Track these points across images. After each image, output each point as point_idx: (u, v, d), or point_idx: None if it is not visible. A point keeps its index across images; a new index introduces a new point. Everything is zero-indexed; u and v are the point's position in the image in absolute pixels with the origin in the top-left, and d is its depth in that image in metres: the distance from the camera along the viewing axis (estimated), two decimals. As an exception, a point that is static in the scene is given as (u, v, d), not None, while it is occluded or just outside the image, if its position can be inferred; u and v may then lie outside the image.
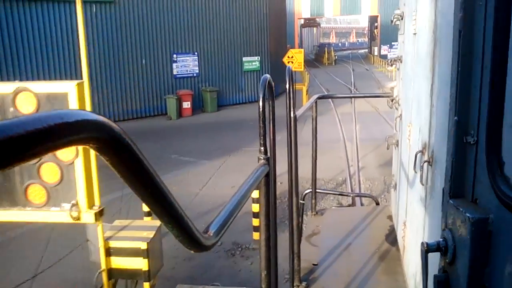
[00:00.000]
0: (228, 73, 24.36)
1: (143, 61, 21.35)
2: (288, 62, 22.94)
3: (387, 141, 4.56)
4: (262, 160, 2.15)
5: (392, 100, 4.48)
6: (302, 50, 22.85)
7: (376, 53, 55.91)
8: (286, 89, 3.29)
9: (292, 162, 3.23)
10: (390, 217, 4.83)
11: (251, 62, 25.22)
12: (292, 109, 3.33)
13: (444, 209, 1.61)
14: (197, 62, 23.19)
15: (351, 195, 7.58)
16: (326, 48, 60.29)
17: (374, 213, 5.07)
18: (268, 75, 2.39)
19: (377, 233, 4.57)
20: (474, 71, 1.46)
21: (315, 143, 4.81)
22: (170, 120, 21.11)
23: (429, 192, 2.51)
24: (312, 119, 4.76)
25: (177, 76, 22.68)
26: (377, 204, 5.66)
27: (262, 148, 2.17)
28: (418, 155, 2.73)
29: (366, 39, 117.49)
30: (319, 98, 4.71)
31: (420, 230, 2.78)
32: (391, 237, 4.39)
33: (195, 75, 23.26)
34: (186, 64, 22.89)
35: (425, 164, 2.55)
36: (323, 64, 56.98)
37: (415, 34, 3.15)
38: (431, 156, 2.46)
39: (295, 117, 3.36)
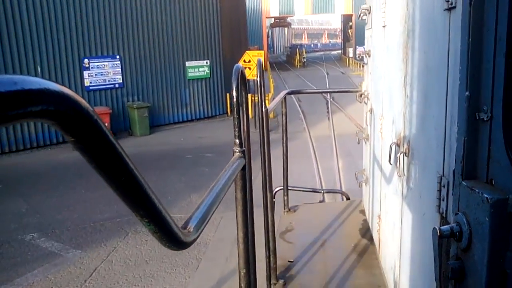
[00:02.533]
0: (165, 83, 17.70)
1: (39, 69, 14.52)
2: (245, 68, 16.39)
3: (357, 136, 4.52)
4: (238, 153, 2.00)
5: (361, 95, 4.34)
6: (263, 52, 16.46)
7: (351, 54, 50.19)
8: (256, 82, 3.08)
9: (265, 156, 3.08)
10: (362, 212, 4.65)
11: (198, 68, 18.60)
12: (263, 102, 3.16)
13: (456, 192, 1.47)
14: (119, 69, 16.45)
15: (322, 191, 6.45)
16: (298, 50, 54.16)
17: (346, 208, 4.93)
18: (240, 65, 2.21)
19: (351, 228, 4.46)
20: (487, 42, 1.33)
21: (286, 139, 4.62)
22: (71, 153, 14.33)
23: (406, 183, 2.43)
24: (282, 115, 4.61)
25: (90, 88, 15.94)
26: (348, 199, 5.44)
27: (237, 140, 2.03)
28: (393, 147, 2.65)
29: (339, 40, 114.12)
30: (288, 94, 4.52)
31: (397, 222, 2.70)
32: (365, 231, 4.28)
33: (117, 86, 16.53)
34: (104, 72, 16.16)
35: (401, 155, 2.47)
36: (295, 67, 50.83)
37: (384, 26, 3.08)
38: (407, 147, 2.38)
39: (266, 111, 3.23)
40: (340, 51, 78.16)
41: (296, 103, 23.08)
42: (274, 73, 42.46)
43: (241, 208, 1.96)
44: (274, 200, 4.16)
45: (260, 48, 49.62)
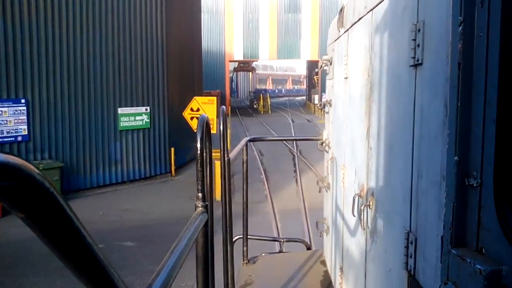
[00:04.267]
0: (88, 134, 13.45)
1: None
2: (192, 119, 12.59)
3: (318, 184, 4.42)
4: (200, 208, 1.83)
5: (322, 144, 4.28)
6: (215, 98, 12.62)
7: (316, 101, 47.44)
8: (220, 131, 3.00)
9: (227, 206, 2.97)
10: (323, 262, 4.50)
11: (134, 116, 14.50)
12: (225, 151, 3.08)
13: (445, 260, 1.37)
14: (25, 117, 12.13)
15: (282, 240, 5.52)
16: (262, 94, 51.05)
17: (307, 258, 4.70)
18: (205, 115, 2.02)
19: (312, 280, 4.27)
20: (476, 107, 1.29)
21: (246, 187, 4.50)
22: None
23: (371, 237, 2.30)
24: (243, 162, 4.44)
25: (-21, 141, 11.51)
26: (309, 249, 5.27)
27: (200, 194, 1.86)
28: (356, 198, 2.56)
29: (303, 86, 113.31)
30: (249, 141, 4.48)
31: (360, 276, 2.57)
32: (327, 283, 4.10)
33: (19, 139, 12.17)
34: (2, 121, 11.83)
35: (365, 207, 2.37)
36: (259, 112, 47.49)
37: (346, 78, 3.05)
38: (371, 199, 2.30)
39: (228, 160, 3.15)
40: (304, 97, 76.12)
41: (258, 158, 19.17)
42: (236, 119, 38.81)
43: (202, 267, 1.80)
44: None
45: (223, 92, 46.28)
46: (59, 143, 12.80)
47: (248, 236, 4.67)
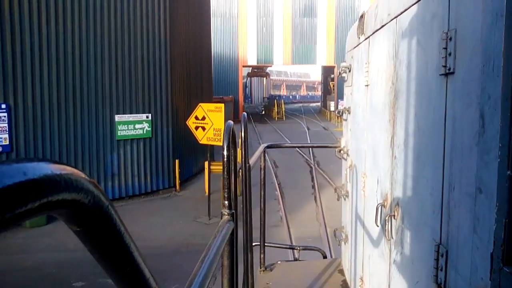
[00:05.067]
0: (81, 144, 11.79)
1: None
2: (197, 128, 10.86)
3: (336, 193, 4.41)
4: (226, 216, 1.81)
5: (340, 151, 4.22)
6: (222, 105, 10.85)
7: (332, 108, 45.46)
8: (241, 137, 2.86)
9: (248, 214, 2.88)
10: (341, 271, 4.41)
11: (134, 124, 12.81)
12: (246, 158, 2.97)
13: (495, 278, 1.28)
14: (6, 125, 10.52)
15: (299, 248, 5.31)
16: (276, 101, 49.24)
17: (324, 267, 4.63)
18: (231, 122, 1.98)
19: None
20: None
21: (264, 193, 4.46)
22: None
23: (395, 248, 2.26)
24: (260, 169, 4.40)
25: (-50, 153, 9.92)
26: (325, 257, 5.15)
27: (227, 202, 1.83)
28: (379, 208, 2.50)
29: (317, 93, 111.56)
30: (267, 147, 4.45)
31: (383, 287, 2.53)
32: None
33: (0, 149, 10.54)
34: (-22, 128, 10.26)
35: (390, 218, 2.32)
36: (273, 119, 45.70)
37: (367, 85, 3.02)
38: (395, 209, 2.27)
39: (249, 167, 3.07)
40: (319, 104, 74.20)
41: (272, 170, 17.34)
42: (249, 126, 36.99)
43: (227, 277, 1.77)
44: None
45: (236, 98, 44.63)
46: (46, 155, 11.15)
47: (266, 244, 4.58)
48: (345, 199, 4.16)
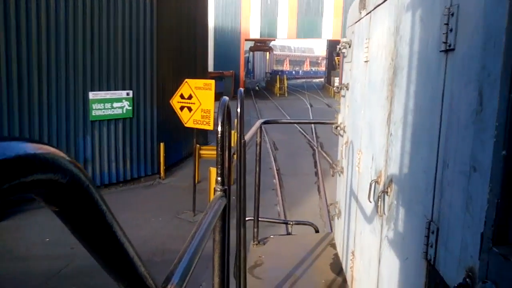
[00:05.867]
0: (47, 126, 10.03)
1: None
2: (182, 109, 9.10)
3: (331, 169, 4.39)
4: (219, 192, 1.80)
5: (337, 127, 4.20)
6: (212, 82, 9.01)
7: (336, 83, 43.35)
8: (237, 113, 2.61)
9: (241, 190, 2.78)
10: (333, 245, 4.46)
11: (111, 103, 11.02)
12: (242, 134, 2.78)
13: (484, 258, 1.28)
14: (-46, 101, 8.76)
15: (291, 222, 5.27)
16: (278, 76, 47.08)
17: (316, 241, 4.64)
18: (227, 98, 1.93)
19: (322, 263, 4.21)
20: None
21: (259, 169, 4.45)
22: None
23: (387, 223, 2.27)
24: (256, 144, 4.43)
25: None
26: (317, 231, 5.11)
27: (220, 178, 1.83)
28: (373, 184, 2.51)
29: (321, 68, 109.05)
30: (263, 123, 4.42)
31: (374, 262, 2.56)
32: (336, 267, 4.06)
33: None
34: None
35: (383, 194, 2.34)
36: (274, 95, 43.73)
37: (367, 61, 2.98)
38: (388, 186, 2.27)
39: (244, 142, 2.91)
40: (322, 79, 71.96)
41: (271, 153, 15.64)
42: (249, 103, 35.20)
43: (219, 252, 1.75)
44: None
45: (237, 73, 42.53)
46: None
47: (259, 219, 4.54)
48: (339, 175, 4.11)
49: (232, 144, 2.34)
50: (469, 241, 1.31)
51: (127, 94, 11.26)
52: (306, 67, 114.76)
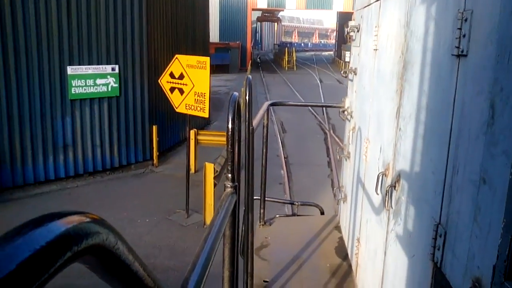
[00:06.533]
0: (19, 107, 8.48)
1: None
2: (173, 90, 7.47)
3: (337, 153, 4.40)
4: (230, 189, 1.79)
5: (343, 111, 4.10)
6: (207, 60, 7.41)
7: (347, 58, 41.25)
8: (245, 100, 2.62)
9: (249, 177, 2.78)
10: (338, 228, 4.41)
11: (94, 79, 9.41)
12: (250, 121, 2.75)
13: None
14: None
15: (297, 203, 5.20)
16: (287, 48, 44.85)
17: (322, 223, 4.60)
18: (236, 94, 1.88)
19: (327, 246, 4.16)
20: None
21: (265, 150, 4.40)
22: None
23: (394, 217, 2.27)
24: (263, 126, 4.28)
25: None
26: (322, 213, 5.04)
27: (230, 175, 1.80)
28: (381, 176, 2.50)
29: (330, 41, 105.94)
30: (270, 105, 4.24)
31: (379, 252, 2.56)
32: (341, 251, 4.03)
33: None
34: None
35: (390, 188, 2.33)
36: (283, 68, 41.75)
37: (376, 50, 2.91)
38: (396, 181, 2.26)
39: (252, 129, 2.85)
40: (332, 53, 69.42)
41: (278, 136, 14.08)
42: (256, 76, 33.35)
43: (229, 246, 1.73)
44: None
45: (243, 45, 40.46)
46: (-34, 120, 7.93)
47: (265, 198, 4.47)
48: (346, 160, 4.09)
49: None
50: (476, 251, 1.30)
51: (113, 69, 9.62)
52: (315, 39, 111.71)
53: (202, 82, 7.33)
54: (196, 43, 13.91)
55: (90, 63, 9.26)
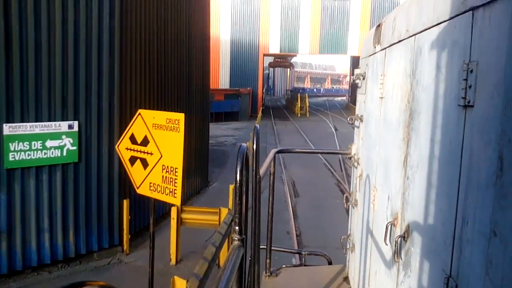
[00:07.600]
0: None
1: None
2: (134, 161, 4.71)
3: (344, 200, 4.22)
4: (237, 242, 1.73)
5: (350, 158, 4.04)
6: (182, 117, 4.96)
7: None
8: (252, 149, 2.60)
9: (256, 227, 2.70)
10: (346, 279, 4.19)
11: (44, 140, 6.95)
12: (257, 170, 2.77)
13: None
14: None
15: (304, 252, 4.96)
16: (299, 94, 42.80)
17: (329, 274, 4.40)
18: (245, 145, 1.84)
19: None
20: None
21: (272, 198, 4.22)
22: None
23: (404, 269, 2.18)
24: (270, 174, 4.11)
25: None
26: (330, 263, 4.88)
27: (237, 227, 1.75)
28: (389, 226, 2.40)
29: (342, 86, 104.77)
30: (277, 152, 4.16)
31: None
32: None
33: None
34: None
35: (399, 238, 2.21)
36: (295, 115, 39.53)
37: (381, 98, 2.86)
38: (405, 231, 2.16)
39: (259, 178, 2.84)
40: (344, 98, 67.55)
41: (289, 202, 11.38)
42: (267, 124, 31.06)
43: None
44: (250, 258, 3.30)
45: (254, 91, 38.58)
46: None
47: (272, 248, 4.27)
48: (353, 208, 3.97)
49: None
50: None
51: (70, 126, 7.17)
52: (327, 84, 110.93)
53: (174, 150, 4.79)
54: (191, 92, 11.54)
55: (38, 119, 6.84)
